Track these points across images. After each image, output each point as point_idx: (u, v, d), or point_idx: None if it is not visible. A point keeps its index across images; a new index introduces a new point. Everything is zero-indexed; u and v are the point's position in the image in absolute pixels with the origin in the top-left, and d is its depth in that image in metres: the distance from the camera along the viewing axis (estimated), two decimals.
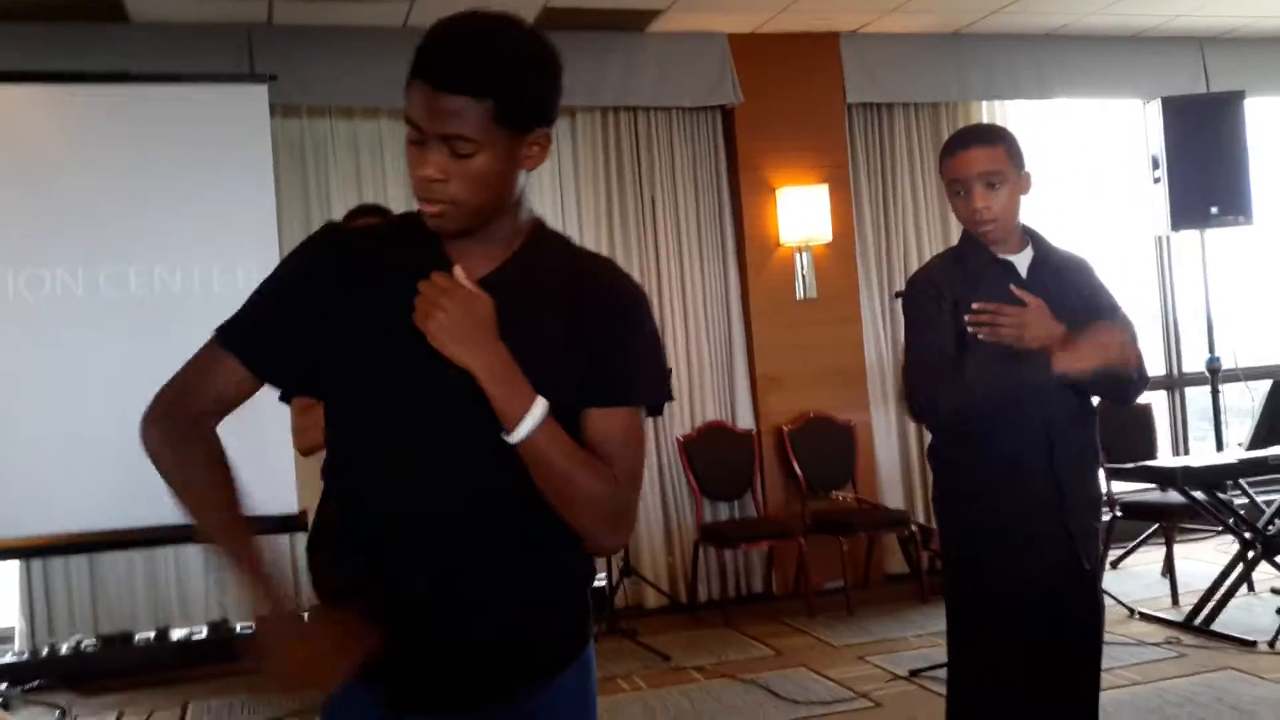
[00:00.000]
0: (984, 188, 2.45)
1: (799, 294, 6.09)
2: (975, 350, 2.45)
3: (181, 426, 1.51)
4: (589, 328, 1.49)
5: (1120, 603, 5.17)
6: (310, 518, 3.07)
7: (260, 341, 1.51)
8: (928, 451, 2.68)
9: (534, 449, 1.42)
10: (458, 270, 1.43)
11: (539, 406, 1.41)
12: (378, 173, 5.65)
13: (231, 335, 1.51)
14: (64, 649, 5.09)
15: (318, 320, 1.48)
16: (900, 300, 2.69)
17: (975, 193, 2.45)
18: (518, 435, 1.41)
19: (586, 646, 1.61)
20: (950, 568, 2.64)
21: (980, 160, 2.45)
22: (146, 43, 5.16)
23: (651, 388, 1.56)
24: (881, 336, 6.27)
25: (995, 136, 2.52)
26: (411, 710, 1.51)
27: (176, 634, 5.25)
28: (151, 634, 5.23)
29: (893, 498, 6.13)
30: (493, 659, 1.50)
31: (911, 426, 6.24)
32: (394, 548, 1.48)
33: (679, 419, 5.90)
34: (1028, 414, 2.45)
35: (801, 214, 5.98)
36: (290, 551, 5.40)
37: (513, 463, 1.44)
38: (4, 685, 4.61)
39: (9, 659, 5.05)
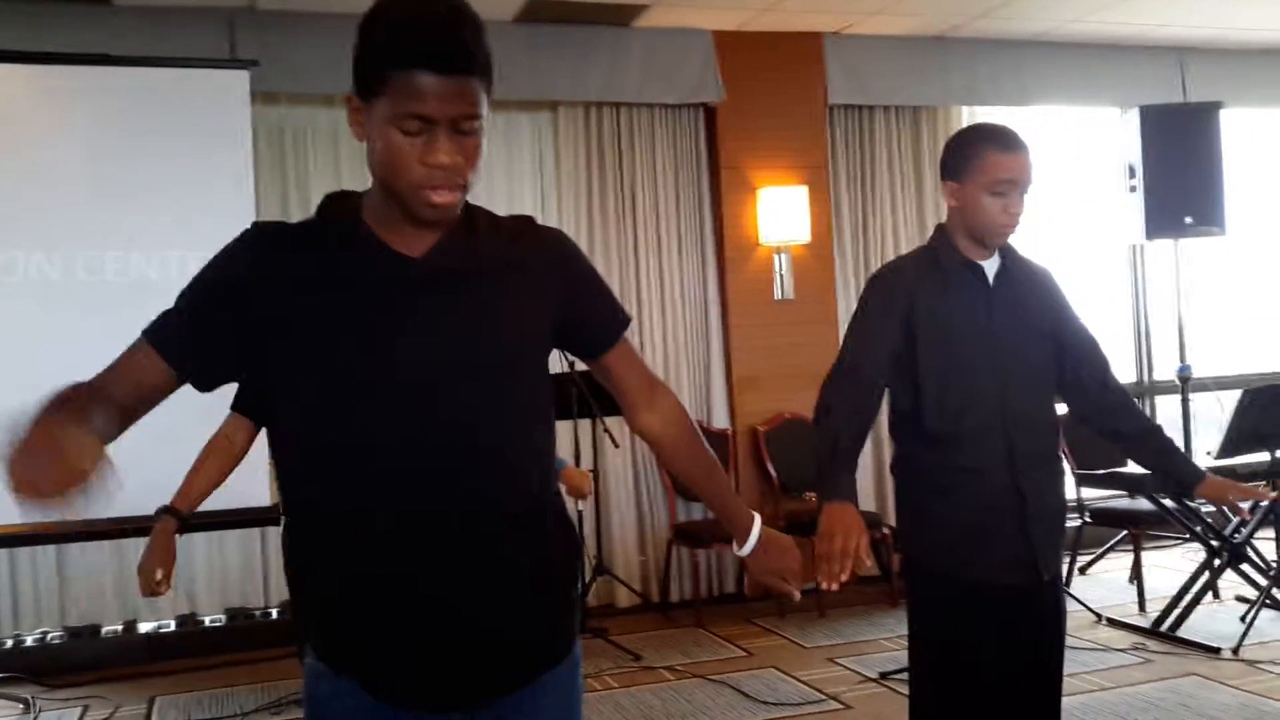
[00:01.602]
0: (1020, 194, 2.45)
1: (777, 295, 6.11)
2: (931, 354, 2.46)
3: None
4: (550, 283, 1.58)
5: (1088, 608, 5.23)
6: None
7: (184, 343, 1.50)
8: (891, 463, 2.68)
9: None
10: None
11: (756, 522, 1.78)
12: (356, 161, 5.60)
13: (157, 335, 1.51)
14: (29, 640, 5.03)
15: (253, 330, 1.47)
16: (866, 286, 2.65)
17: (1017, 198, 2.44)
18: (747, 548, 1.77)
19: (575, 644, 1.64)
20: (909, 572, 2.64)
21: (1029, 167, 2.45)
22: (128, 25, 5.09)
23: (622, 309, 1.72)
24: None
25: (1027, 145, 2.50)
26: (405, 706, 1.51)
27: (144, 627, 5.22)
28: (119, 627, 5.19)
29: (864, 500, 6.15)
30: (490, 655, 1.52)
31: (884, 430, 6.24)
32: (391, 544, 1.47)
33: None
34: (987, 419, 2.45)
35: (781, 215, 5.99)
36: (261, 545, 5.39)
37: (504, 450, 1.51)
38: None
39: None
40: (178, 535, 2.69)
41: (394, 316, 1.47)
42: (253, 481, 4.35)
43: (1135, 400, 2.71)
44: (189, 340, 1.50)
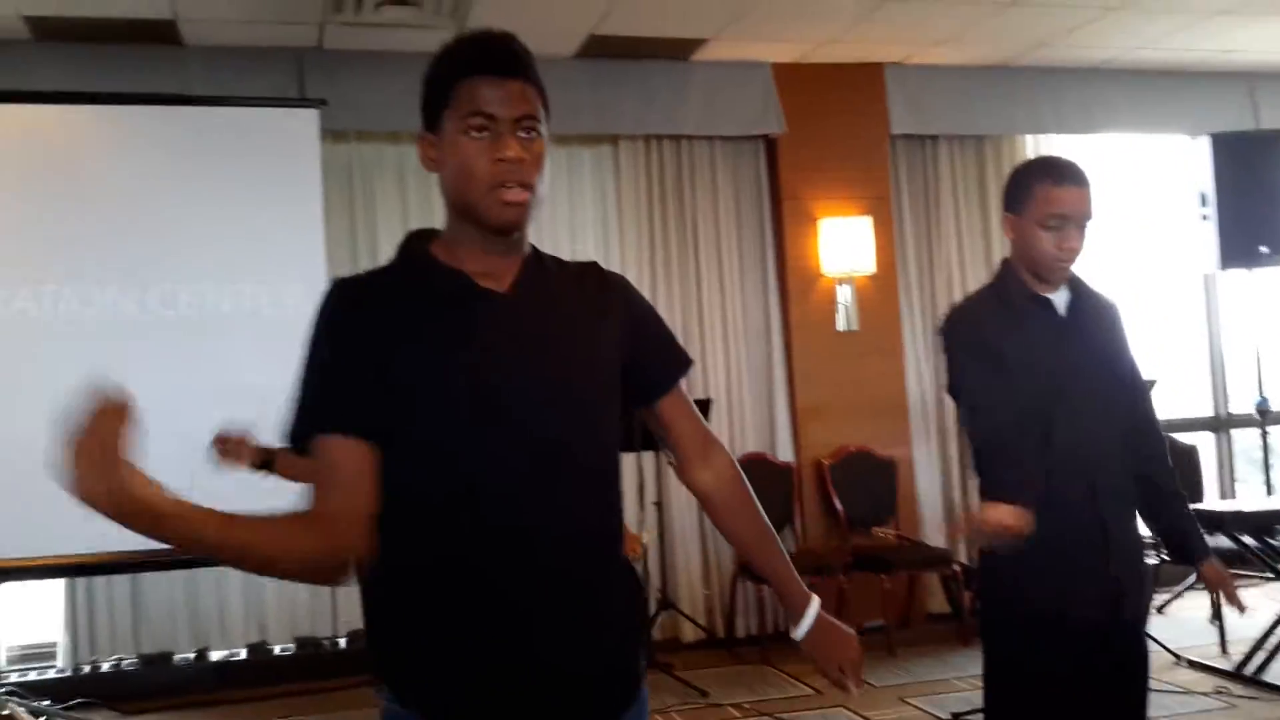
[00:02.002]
0: (1078, 229, 2.40)
1: (840, 326, 6.06)
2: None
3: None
4: (617, 323, 1.60)
5: (1167, 649, 5.07)
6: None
7: (345, 410, 1.46)
8: (980, 492, 2.62)
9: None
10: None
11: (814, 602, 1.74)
12: (423, 198, 5.69)
13: (316, 421, 1.46)
14: (105, 667, 5.13)
15: (372, 377, 1.45)
16: (941, 335, 2.60)
17: (1073, 232, 2.39)
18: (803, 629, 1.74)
19: (643, 683, 1.62)
20: (988, 608, 2.58)
21: (1086, 201, 2.41)
22: (199, 66, 5.24)
23: (683, 352, 1.72)
24: (924, 371, 6.22)
25: (1088, 179, 2.45)
26: None
27: (215, 655, 5.28)
28: (191, 655, 5.26)
29: (935, 535, 6.06)
30: (572, 690, 1.50)
31: (954, 463, 6.18)
32: (488, 578, 1.46)
33: None
34: (1071, 456, 2.39)
35: (844, 245, 5.96)
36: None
37: (601, 483, 1.55)
38: (46, 701, 4.64)
39: (51, 675, 5.09)
40: (252, 466, 2.78)
41: (494, 351, 1.49)
42: None
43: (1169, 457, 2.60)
44: (340, 397, 1.46)
